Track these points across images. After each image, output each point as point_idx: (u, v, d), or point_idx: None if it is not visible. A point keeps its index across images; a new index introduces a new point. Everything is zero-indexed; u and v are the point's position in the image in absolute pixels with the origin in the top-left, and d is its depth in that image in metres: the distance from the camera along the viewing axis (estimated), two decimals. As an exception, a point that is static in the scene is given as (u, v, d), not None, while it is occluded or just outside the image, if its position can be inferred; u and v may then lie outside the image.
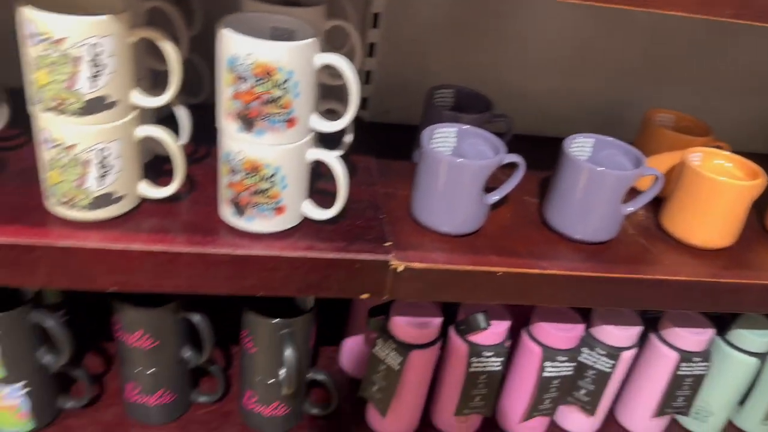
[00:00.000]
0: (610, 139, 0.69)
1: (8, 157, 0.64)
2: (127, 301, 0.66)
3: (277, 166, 0.56)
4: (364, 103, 0.86)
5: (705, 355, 0.77)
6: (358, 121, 0.84)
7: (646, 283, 0.64)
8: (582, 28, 0.85)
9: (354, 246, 0.60)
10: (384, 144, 0.81)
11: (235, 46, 0.51)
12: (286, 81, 0.52)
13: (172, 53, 0.54)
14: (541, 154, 0.83)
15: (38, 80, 0.51)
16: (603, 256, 0.66)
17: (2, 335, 0.64)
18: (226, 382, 0.79)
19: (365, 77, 0.84)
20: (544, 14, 0.83)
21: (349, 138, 0.70)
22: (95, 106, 0.52)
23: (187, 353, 0.72)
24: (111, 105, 0.53)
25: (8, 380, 0.67)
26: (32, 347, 0.67)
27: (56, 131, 0.53)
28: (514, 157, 0.65)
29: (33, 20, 0.49)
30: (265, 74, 0.51)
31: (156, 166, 0.66)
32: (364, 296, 0.61)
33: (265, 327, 0.69)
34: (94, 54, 0.50)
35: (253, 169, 0.56)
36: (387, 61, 0.84)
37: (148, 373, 0.71)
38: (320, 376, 0.76)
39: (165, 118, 0.68)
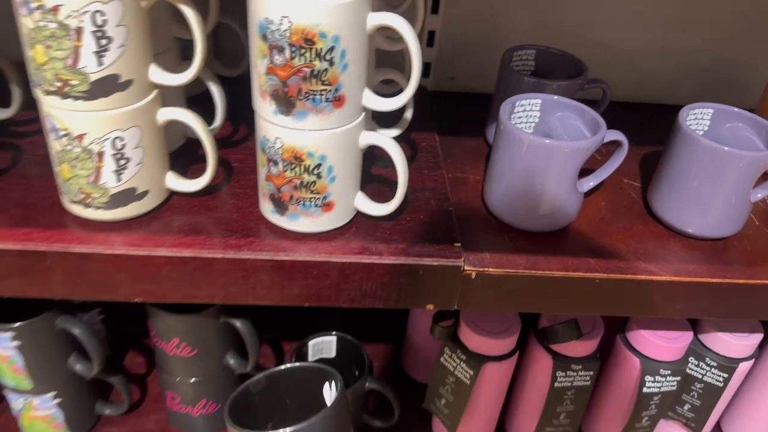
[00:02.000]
0: (735, 109, 0.56)
1: (23, 146, 0.57)
2: (160, 306, 0.59)
3: (323, 154, 0.46)
4: (426, 69, 0.74)
5: (844, 370, 0.64)
6: (419, 91, 0.73)
7: (784, 291, 0.52)
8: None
9: (416, 248, 0.49)
10: (450, 117, 0.70)
11: (267, 7, 0.40)
12: (331, 49, 0.41)
13: (193, 17, 0.44)
14: (640, 123, 0.70)
15: (35, 57, 0.42)
16: (727, 255, 0.54)
17: (24, 345, 0.57)
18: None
19: (428, 38, 0.72)
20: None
21: (409, 114, 0.59)
22: (104, 87, 0.43)
23: (231, 360, 0.64)
24: (124, 85, 0.44)
25: (36, 391, 0.61)
26: (61, 355, 0.61)
27: (62, 118, 0.44)
28: (616, 135, 0.52)
29: (24, -16, 0.40)
30: (305, 42, 0.41)
31: (189, 152, 0.57)
32: (429, 307, 0.51)
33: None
34: (97, 24, 0.41)
35: (295, 159, 0.46)
36: (453, 19, 0.71)
37: (189, 382, 0.64)
38: (378, 386, 0.67)
39: (202, 94, 0.59)
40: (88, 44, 0.41)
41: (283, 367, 0.54)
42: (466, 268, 0.49)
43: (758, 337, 0.64)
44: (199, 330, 0.60)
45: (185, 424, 0.68)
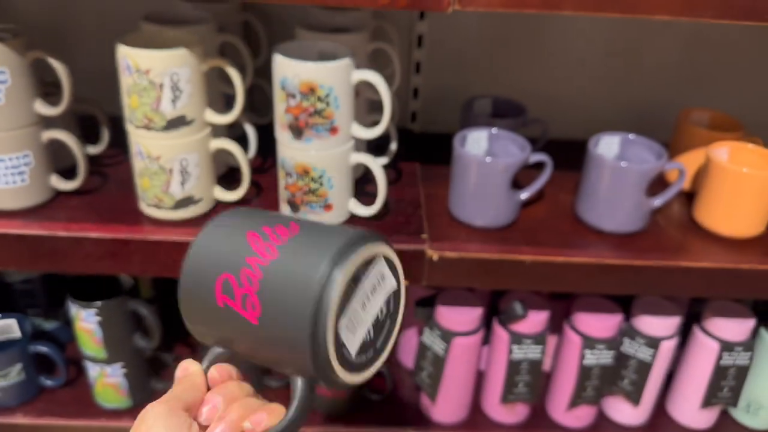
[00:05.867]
0: (635, 136, 0.74)
1: (109, 172, 0.77)
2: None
3: (323, 168, 0.65)
4: (413, 116, 0.94)
5: (747, 345, 0.79)
6: (407, 133, 0.93)
7: (672, 270, 0.68)
8: (617, 34, 0.90)
9: (393, 238, 0.68)
10: (430, 152, 0.89)
11: (285, 68, 0.61)
12: (327, 95, 0.61)
13: (236, 77, 0.65)
14: (580, 156, 0.88)
15: (131, 103, 0.63)
16: (631, 245, 0.71)
17: (104, 320, 0.76)
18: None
19: (413, 93, 0.93)
20: (576, 24, 0.89)
21: (393, 146, 0.78)
22: (176, 123, 0.64)
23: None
24: (189, 122, 0.65)
25: (109, 361, 0.79)
26: (129, 332, 0.80)
27: (146, 145, 0.64)
28: (541, 156, 0.71)
29: (127, 55, 0.61)
30: (309, 90, 0.61)
31: (230, 177, 0.77)
32: (406, 282, 0.69)
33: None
34: (173, 81, 0.62)
35: (304, 172, 0.65)
36: (432, 78, 0.92)
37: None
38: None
39: (238, 137, 0.80)
40: (167, 95, 0.62)
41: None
42: (429, 252, 0.67)
43: (676, 319, 0.80)
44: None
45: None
